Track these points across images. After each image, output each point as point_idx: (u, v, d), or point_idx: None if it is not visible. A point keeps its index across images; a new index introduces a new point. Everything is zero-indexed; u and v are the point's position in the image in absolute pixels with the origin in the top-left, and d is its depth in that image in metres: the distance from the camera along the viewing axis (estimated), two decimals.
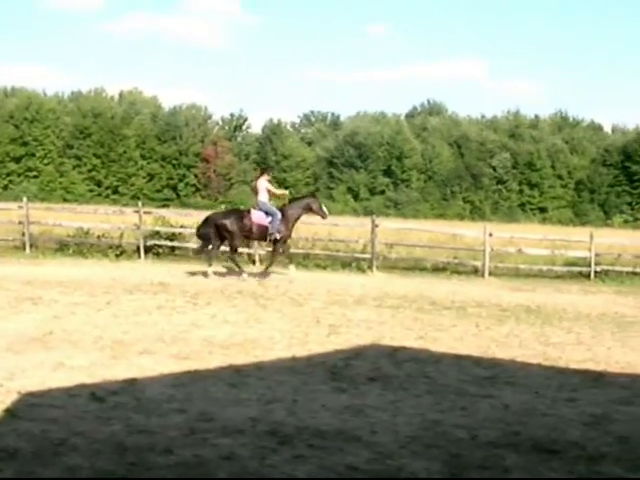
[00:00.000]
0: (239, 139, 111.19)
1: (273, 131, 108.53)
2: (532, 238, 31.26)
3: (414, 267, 27.20)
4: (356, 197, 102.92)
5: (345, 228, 29.31)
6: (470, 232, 29.92)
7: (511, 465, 6.91)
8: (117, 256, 26.54)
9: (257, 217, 21.50)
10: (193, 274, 21.90)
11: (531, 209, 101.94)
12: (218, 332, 12.84)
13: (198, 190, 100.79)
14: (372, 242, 26.61)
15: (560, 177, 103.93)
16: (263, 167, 23.22)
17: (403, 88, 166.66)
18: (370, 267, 26.17)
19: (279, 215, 21.40)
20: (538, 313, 17.56)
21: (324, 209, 22.35)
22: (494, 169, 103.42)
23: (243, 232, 21.61)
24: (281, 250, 22.24)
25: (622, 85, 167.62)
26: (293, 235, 23.32)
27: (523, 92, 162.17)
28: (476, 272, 26.83)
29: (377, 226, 26.99)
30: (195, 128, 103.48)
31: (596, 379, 10.75)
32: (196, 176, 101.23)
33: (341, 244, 27.97)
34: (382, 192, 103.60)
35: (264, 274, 21.91)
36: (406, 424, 8.06)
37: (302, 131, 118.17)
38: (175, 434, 7.39)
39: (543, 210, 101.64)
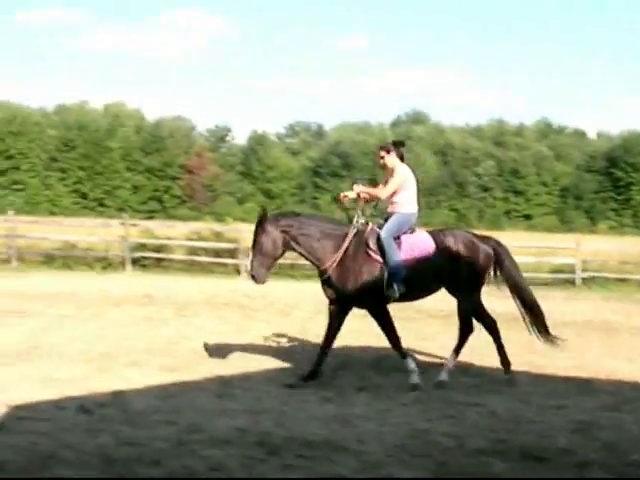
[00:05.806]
0: (223, 150, 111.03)
1: (258, 142, 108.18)
2: (518, 245, 31.30)
3: None
4: None
5: None
6: None
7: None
8: (103, 268, 26.41)
9: None
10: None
11: (516, 216, 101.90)
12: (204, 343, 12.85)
13: (184, 202, 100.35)
14: None
15: (545, 184, 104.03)
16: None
17: (386, 98, 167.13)
18: None
19: None
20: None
21: None
22: (479, 177, 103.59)
23: None
24: None
25: (606, 91, 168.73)
26: None
27: (506, 101, 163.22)
28: None
29: None
30: (179, 139, 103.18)
31: (584, 386, 10.80)
32: (181, 187, 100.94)
33: None
34: None
35: None
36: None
37: (287, 141, 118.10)
38: (163, 446, 7.40)
39: (528, 217, 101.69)
